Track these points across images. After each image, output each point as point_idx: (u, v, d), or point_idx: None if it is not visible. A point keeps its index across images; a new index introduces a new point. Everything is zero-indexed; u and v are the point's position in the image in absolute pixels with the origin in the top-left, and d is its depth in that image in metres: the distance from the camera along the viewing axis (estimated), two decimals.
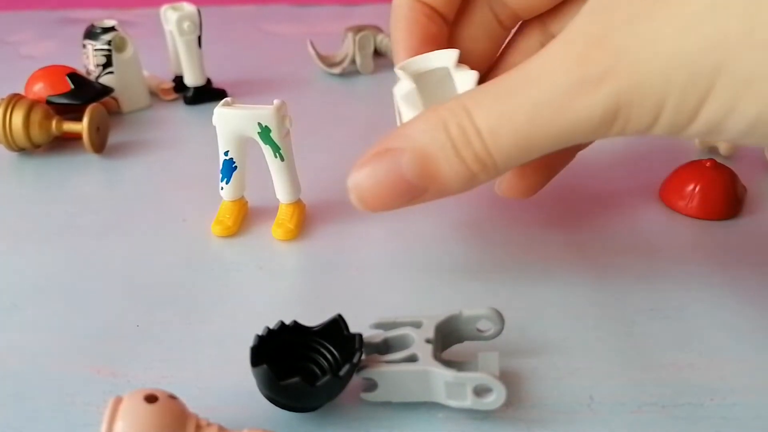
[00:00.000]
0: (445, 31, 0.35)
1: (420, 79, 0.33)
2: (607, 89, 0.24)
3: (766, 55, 0.21)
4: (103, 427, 0.23)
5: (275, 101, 0.36)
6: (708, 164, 0.40)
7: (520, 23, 0.36)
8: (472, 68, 0.33)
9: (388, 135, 0.29)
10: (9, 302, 0.34)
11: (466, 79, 0.32)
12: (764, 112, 0.22)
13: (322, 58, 0.60)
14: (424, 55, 0.33)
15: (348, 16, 0.75)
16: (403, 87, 0.32)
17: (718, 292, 0.34)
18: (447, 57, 0.33)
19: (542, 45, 0.33)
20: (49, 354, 0.31)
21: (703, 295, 0.34)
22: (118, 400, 0.23)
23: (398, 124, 0.34)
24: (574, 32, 0.25)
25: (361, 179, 0.28)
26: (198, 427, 0.24)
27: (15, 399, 0.28)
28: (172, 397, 0.24)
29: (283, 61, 0.64)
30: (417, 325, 0.28)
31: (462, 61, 0.33)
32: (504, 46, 0.37)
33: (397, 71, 0.33)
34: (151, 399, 0.23)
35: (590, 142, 0.32)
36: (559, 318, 0.32)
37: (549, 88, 0.25)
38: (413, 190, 0.28)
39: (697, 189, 0.39)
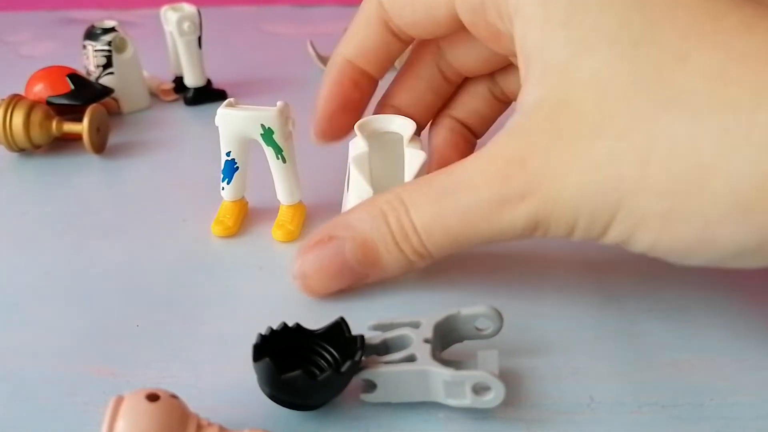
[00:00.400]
0: (367, 97, 0.37)
1: (377, 136, 0.36)
2: (526, 207, 0.27)
3: (655, 197, 0.25)
4: (104, 426, 0.23)
5: (279, 103, 0.36)
6: None
7: (464, 78, 0.38)
8: (416, 119, 0.36)
9: (330, 222, 0.32)
10: (9, 302, 0.34)
11: (414, 159, 0.35)
12: (658, 240, 0.26)
13: (322, 59, 0.60)
14: (386, 116, 0.36)
15: (348, 17, 0.74)
16: (357, 147, 0.35)
17: (718, 292, 0.34)
18: (404, 127, 0.36)
19: (491, 95, 0.38)
20: (48, 354, 0.31)
21: (703, 295, 0.34)
22: (120, 399, 0.23)
23: (346, 179, 0.36)
24: (496, 151, 0.28)
25: (307, 266, 0.32)
26: (199, 427, 0.24)
27: (15, 399, 0.28)
28: (174, 397, 0.24)
29: (283, 61, 0.64)
30: (415, 325, 0.28)
31: (405, 111, 0.37)
32: (448, 99, 0.39)
33: (356, 129, 0.35)
34: (152, 398, 0.23)
35: None
36: (559, 318, 0.32)
37: (476, 199, 0.28)
38: (355, 275, 0.31)
39: None
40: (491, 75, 0.38)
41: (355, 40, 0.36)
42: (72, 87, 0.48)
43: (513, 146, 0.28)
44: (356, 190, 0.35)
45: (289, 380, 0.25)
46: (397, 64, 0.39)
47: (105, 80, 0.52)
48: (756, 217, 0.24)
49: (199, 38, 0.53)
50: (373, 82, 0.37)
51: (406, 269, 0.31)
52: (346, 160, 0.36)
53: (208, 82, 0.55)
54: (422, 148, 0.35)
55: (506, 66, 0.36)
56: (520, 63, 0.29)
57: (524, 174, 0.27)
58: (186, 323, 0.32)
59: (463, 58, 0.37)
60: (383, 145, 0.36)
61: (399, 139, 0.36)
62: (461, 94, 0.39)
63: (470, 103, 0.39)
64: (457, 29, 0.33)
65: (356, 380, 0.27)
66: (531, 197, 0.27)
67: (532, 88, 0.28)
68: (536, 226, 0.28)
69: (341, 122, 0.37)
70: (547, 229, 0.28)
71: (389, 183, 0.38)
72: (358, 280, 0.32)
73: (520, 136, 0.28)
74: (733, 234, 0.25)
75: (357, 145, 0.35)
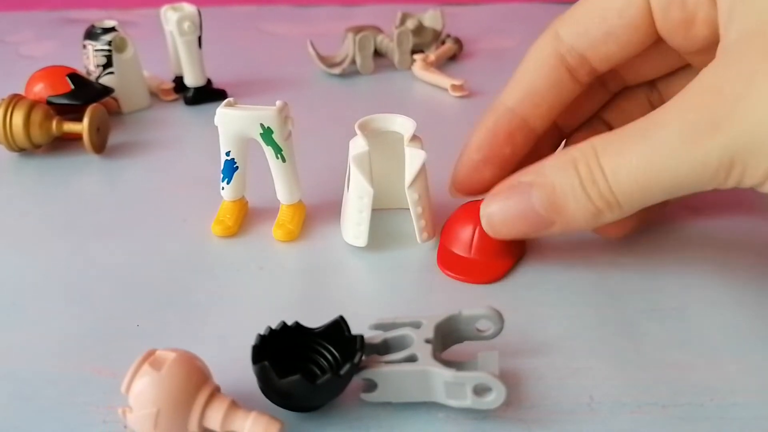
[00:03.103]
0: (518, 156, 0.35)
1: (378, 136, 0.36)
2: (722, 138, 0.24)
3: None
4: (131, 369, 0.25)
5: (278, 102, 0.36)
6: None
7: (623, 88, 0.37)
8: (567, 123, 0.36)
9: (522, 170, 0.31)
10: (9, 302, 0.34)
11: (414, 158, 0.35)
12: None
13: (322, 59, 0.61)
14: (387, 115, 0.36)
15: (348, 17, 0.75)
16: (357, 146, 0.35)
17: (718, 292, 0.34)
18: (405, 126, 0.36)
19: (647, 101, 0.36)
20: (49, 354, 0.31)
21: (703, 295, 0.34)
22: (151, 352, 0.26)
23: (346, 178, 0.36)
24: (693, 85, 0.26)
25: (493, 209, 0.32)
26: (213, 394, 0.25)
27: (15, 399, 0.28)
28: (202, 362, 0.26)
29: (283, 61, 0.64)
30: (416, 325, 0.28)
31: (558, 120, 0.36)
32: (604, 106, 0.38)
33: (356, 128, 0.35)
34: (183, 350, 0.26)
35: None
36: (559, 318, 0.32)
37: (665, 134, 0.26)
38: (541, 222, 0.30)
39: None
40: (652, 82, 0.36)
41: (522, 84, 0.34)
42: (72, 87, 0.48)
43: (709, 79, 0.26)
44: (356, 189, 0.35)
45: (287, 384, 0.25)
46: None
47: (105, 80, 0.52)
48: None
49: (199, 38, 0.53)
50: (530, 139, 0.35)
51: (593, 220, 0.29)
52: (345, 159, 0.36)
53: (208, 81, 0.55)
54: (422, 147, 0.35)
55: (671, 72, 0.35)
56: (722, 15, 0.27)
57: (720, 100, 0.24)
58: (186, 323, 0.32)
59: (636, 66, 0.35)
60: (384, 144, 0.36)
61: (399, 139, 0.36)
62: (618, 100, 0.37)
63: (627, 109, 0.37)
64: (643, 39, 0.31)
65: (357, 380, 0.27)
66: (727, 126, 0.24)
67: (736, 26, 0.26)
68: (732, 164, 0.25)
69: (483, 176, 0.35)
70: (744, 169, 0.25)
71: (390, 182, 0.38)
72: (544, 227, 0.30)
73: (717, 69, 0.26)
74: None
75: (357, 144, 0.35)
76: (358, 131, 0.35)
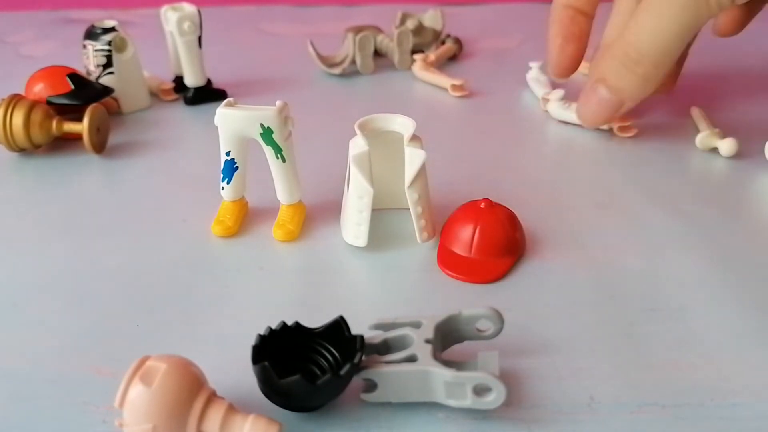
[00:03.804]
0: (585, 31, 0.44)
1: (378, 135, 0.36)
2: None
3: None
4: (125, 378, 0.24)
5: (277, 102, 0.36)
6: None
7: None
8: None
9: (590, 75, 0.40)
10: (9, 302, 0.34)
11: (414, 157, 0.35)
12: None
13: (322, 59, 0.61)
14: (387, 115, 0.37)
15: (348, 17, 0.75)
16: (357, 146, 0.35)
17: (718, 292, 0.34)
18: (405, 126, 0.36)
19: None
20: (49, 354, 0.31)
21: (703, 295, 0.34)
22: (144, 359, 0.25)
23: (346, 178, 0.37)
24: None
25: (582, 111, 0.40)
26: (211, 398, 0.25)
27: (15, 399, 0.28)
28: (196, 367, 0.26)
29: (283, 61, 0.64)
30: (416, 325, 0.28)
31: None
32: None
33: (356, 128, 0.35)
34: (175, 358, 0.26)
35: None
36: (559, 318, 0.32)
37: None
38: (613, 104, 0.39)
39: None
40: None
41: None
42: (72, 87, 0.48)
43: None
44: (356, 189, 0.35)
45: (287, 384, 0.25)
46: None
47: (105, 80, 0.52)
48: None
49: (199, 38, 0.53)
50: (587, 18, 0.44)
51: (645, 85, 0.37)
52: (345, 159, 0.36)
53: (208, 81, 0.55)
54: (422, 147, 0.35)
55: None
56: None
57: None
58: (186, 323, 0.32)
59: None
60: (384, 144, 0.36)
61: (399, 139, 0.36)
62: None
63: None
64: None
65: (357, 380, 0.27)
66: None
67: None
68: None
69: (570, 52, 0.44)
70: None
71: (390, 182, 0.38)
72: (619, 106, 0.39)
73: None
74: None
75: (357, 144, 0.35)
76: (357, 131, 0.35)
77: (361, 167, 0.35)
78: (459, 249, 0.36)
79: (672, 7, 0.36)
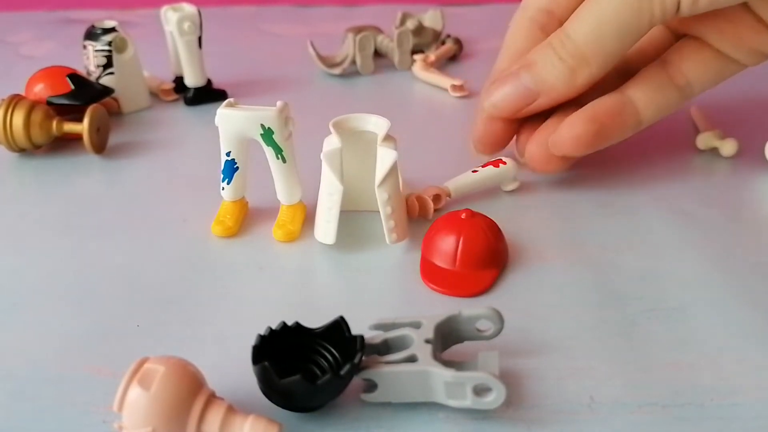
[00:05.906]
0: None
1: (353, 135, 0.36)
2: None
3: None
4: (124, 380, 0.24)
5: (278, 103, 0.36)
6: None
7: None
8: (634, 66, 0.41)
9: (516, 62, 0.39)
10: (9, 302, 0.34)
11: (386, 157, 0.35)
12: None
13: (323, 59, 0.61)
14: (362, 115, 0.37)
15: (348, 17, 0.75)
16: (330, 143, 0.35)
17: (718, 292, 0.34)
18: (379, 125, 0.36)
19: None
20: (49, 354, 0.31)
21: (703, 295, 0.34)
22: (143, 360, 0.25)
23: (322, 173, 0.36)
24: None
25: (496, 94, 0.39)
26: (210, 399, 0.25)
27: (15, 399, 0.28)
28: (195, 368, 0.26)
29: (283, 61, 0.64)
30: (416, 325, 0.28)
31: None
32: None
33: (331, 127, 0.35)
34: (173, 359, 0.26)
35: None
36: (559, 318, 0.32)
37: None
38: (529, 94, 0.38)
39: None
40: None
41: (510, 49, 0.42)
42: (72, 87, 0.48)
43: None
44: (327, 186, 0.35)
45: (287, 384, 0.25)
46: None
47: (105, 80, 0.52)
48: None
49: (199, 38, 0.53)
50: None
51: (570, 80, 0.37)
52: None
53: (208, 82, 0.55)
54: (395, 148, 0.35)
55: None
56: None
57: None
58: (186, 323, 0.32)
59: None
60: (360, 144, 0.36)
61: (374, 139, 0.35)
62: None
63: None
64: None
65: (357, 380, 0.27)
66: None
67: None
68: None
69: (497, 127, 0.42)
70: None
71: (361, 180, 0.38)
72: (532, 99, 0.38)
73: None
74: None
75: (330, 141, 0.35)
76: (332, 129, 0.35)
77: (332, 164, 0.35)
78: (442, 262, 0.35)
79: (613, 2, 0.35)
